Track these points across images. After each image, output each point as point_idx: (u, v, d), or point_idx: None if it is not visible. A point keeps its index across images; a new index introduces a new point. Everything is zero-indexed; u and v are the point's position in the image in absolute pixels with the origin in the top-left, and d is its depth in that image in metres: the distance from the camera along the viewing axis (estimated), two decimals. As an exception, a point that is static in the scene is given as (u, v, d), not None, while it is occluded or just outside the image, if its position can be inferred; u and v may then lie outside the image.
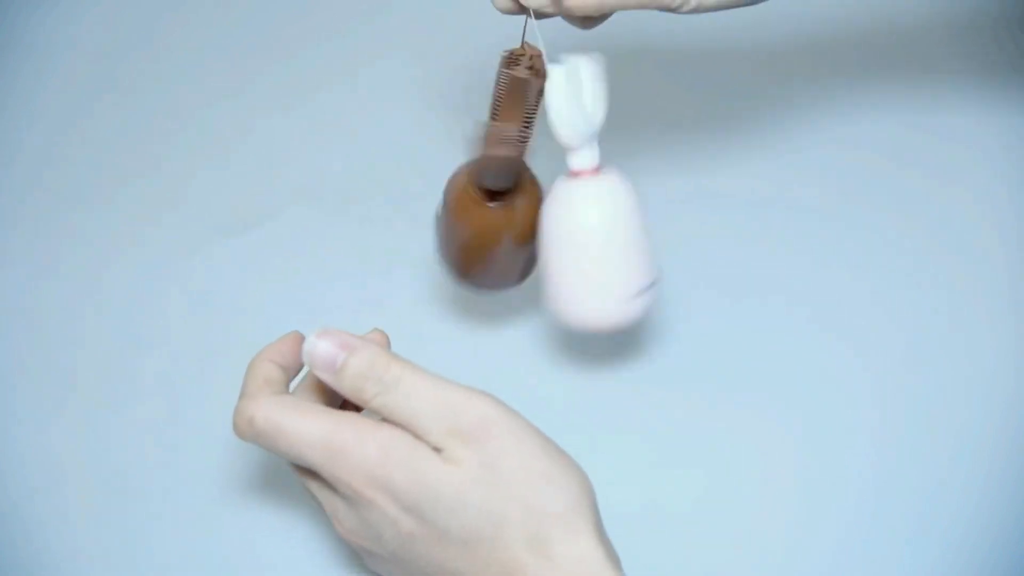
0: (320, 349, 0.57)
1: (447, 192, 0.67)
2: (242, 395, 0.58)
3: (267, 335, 0.76)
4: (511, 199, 0.65)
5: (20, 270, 0.82)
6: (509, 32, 0.93)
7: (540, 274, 0.66)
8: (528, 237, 0.65)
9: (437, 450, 0.54)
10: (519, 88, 0.61)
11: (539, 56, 0.61)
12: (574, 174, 0.64)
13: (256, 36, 0.97)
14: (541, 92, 0.61)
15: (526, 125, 0.62)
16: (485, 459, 0.54)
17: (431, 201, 0.85)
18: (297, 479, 0.58)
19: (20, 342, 0.77)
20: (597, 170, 0.63)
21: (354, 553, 0.63)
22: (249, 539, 0.66)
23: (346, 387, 0.56)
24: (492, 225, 0.65)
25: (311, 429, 0.55)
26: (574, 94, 0.61)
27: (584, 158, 0.63)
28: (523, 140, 0.62)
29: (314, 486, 0.58)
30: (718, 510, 0.67)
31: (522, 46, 0.62)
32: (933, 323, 0.74)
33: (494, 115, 0.62)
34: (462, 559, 0.54)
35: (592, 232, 0.63)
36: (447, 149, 0.88)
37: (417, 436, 0.55)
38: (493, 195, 0.64)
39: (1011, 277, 0.76)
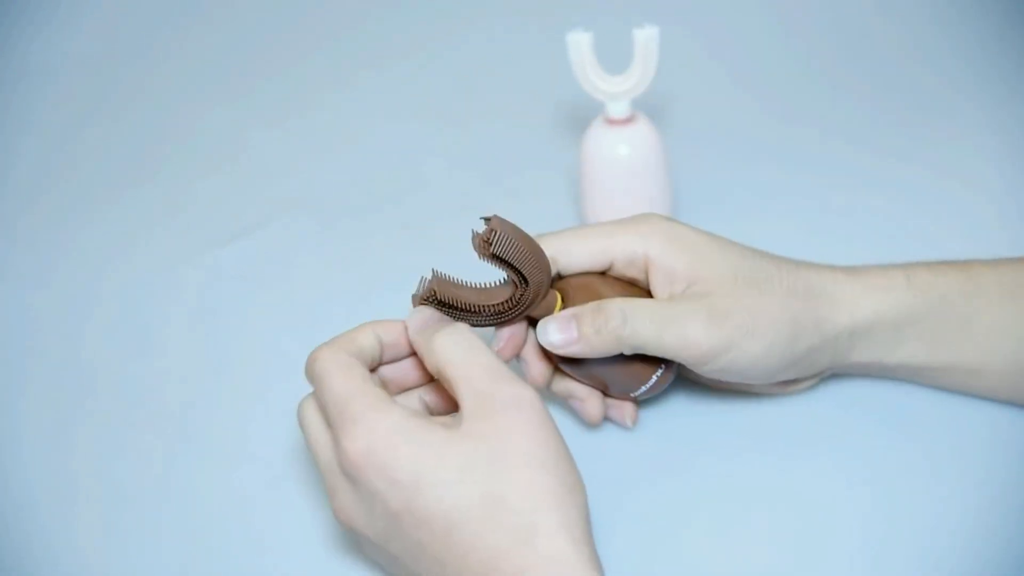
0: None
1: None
2: (330, 340, 0.59)
3: (263, 342, 0.77)
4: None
5: (19, 279, 0.82)
6: (501, 48, 0.94)
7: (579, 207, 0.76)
8: None
9: (453, 426, 0.55)
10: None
11: (492, 232, 0.59)
12: (611, 122, 0.75)
13: (252, 49, 0.98)
14: (500, 258, 0.59)
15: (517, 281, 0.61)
16: (499, 436, 0.54)
17: (425, 211, 0.86)
18: (312, 454, 0.59)
19: (20, 351, 0.77)
20: (629, 119, 0.75)
21: (354, 544, 0.63)
22: (253, 546, 0.66)
23: (427, 330, 0.58)
24: None
25: (339, 387, 0.56)
26: (593, 62, 0.73)
27: (616, 110, 0.75)
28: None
29: (323, 457, 0.58)
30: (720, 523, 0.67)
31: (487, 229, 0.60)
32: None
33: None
34: (444, 543, 0.53)
35: (621, 165, 0.75)
36: (441, 160, 0.89)
37: (455, 389, 0.56)
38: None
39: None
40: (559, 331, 0.61)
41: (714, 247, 0.62)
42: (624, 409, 0.67)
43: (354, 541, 0.60)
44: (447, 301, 0.60)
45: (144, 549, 0.66)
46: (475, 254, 0.59)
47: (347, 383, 0.56)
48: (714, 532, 0.63)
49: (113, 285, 0.81)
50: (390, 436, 0.54)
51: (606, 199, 0.77)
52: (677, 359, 0.61)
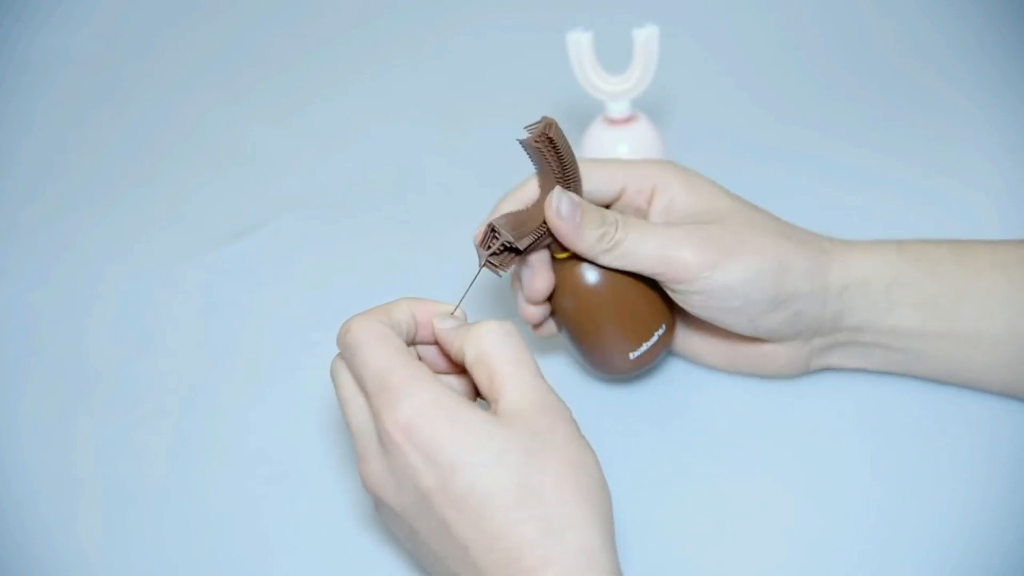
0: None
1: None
2: (365, 311, 0.59)
3: (263, 340, 0.77)
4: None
5: (20, 278, 0.82)
6: (501, 47, 0.94)
7: None
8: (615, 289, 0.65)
9: (494, 410, 0.55)
10: (533, 152, 0.62)
11: (550, 124, 0.61)
12: (611, 121, 0.76)
13: (251, 49, 0.98)
14: (554, 144, 0.62)
15: (561, 175, 0.63)
16: (539, 431, 0.54)
17: (423, 210, 0.86)
18: (344, 416, 0.58)
19: (21, 350, 0.78)
20: (629, 120, 0.76)
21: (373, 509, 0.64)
22: (254, 545, 0.66)
23: (460, 327, 0.58)
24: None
25: (378, 358, 0.56)
26: (593, 62, 0.74)
27: (616, 110, 0.76)
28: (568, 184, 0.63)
29: (356, 421, 0.57)
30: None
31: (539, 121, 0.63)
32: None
33: (539, 185, 0.64)
34: (472, 526, 0.53)
35: None
36: (442, 159, 0.90)
37: (499, 383, 0.56)
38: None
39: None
40: (570, 206, 0.62)
41: (719, 191, 0.65)
42: None
43: (374, 507, 0.60)
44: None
45: (146, 548, 0.66)
46: (523, 150, 0.62)
47: (386, 354, 0.56)
48: (717, 528, 0.64)
49: (114, 283, 0.81)
50: (433, 411, 0.54)
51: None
52: (661, 275, 0.62)
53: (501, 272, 0.62)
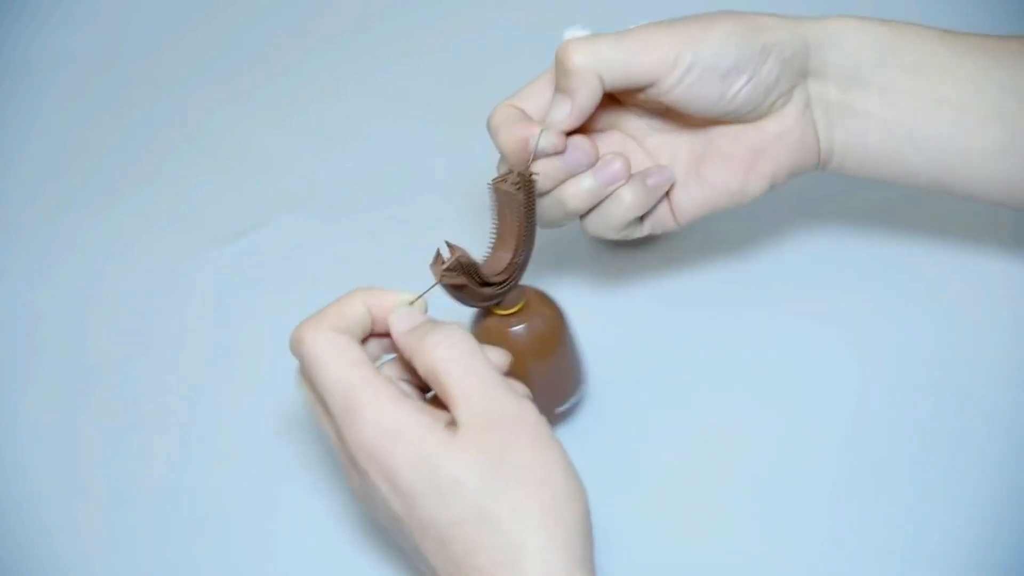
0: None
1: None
2: (316, 314, 0.57)
3: (263, 339, 0.77)
4: (519, 317, 0.65)
5: (21, 277, 0.82)
6: (501, 46, 0.94)
7: None
8: (542, 352, 0.65)
9: (453, 428, 0.53)
10: (505, 205, 0.62)
11: (527, 175, 0.62)
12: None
13: (252, 49, 0.98)
14: (526, 212, 0.62)
15: (517, 247, 0.62)
16: (497, 450, 0.53)
17: (423, 210, 0.86)
18: (317, 423, 0.58)
19: (21, 350, 0.78)
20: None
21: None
22: (259, 545, 0.66)
23: (416, 330, 0.56)
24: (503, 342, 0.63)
25: (339, 376, 0.55)
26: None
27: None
28: (512, 264, 0.63)
29: (330, 438, 0.57)
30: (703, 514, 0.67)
31: (510, 171, 0.63)
32: (928, 322, 0.75)
33: (493, 233, 0.63)
34: (439, 554, 0.53)
35: None
36: (439, 160, 0.90)
37: (451, 401, 0.54)
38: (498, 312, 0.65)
39: (1007, 280, 0.76)
40: (561, 103, 0.63)
41: None
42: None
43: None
44: (470, 272, 0.60)
45: (147, 548, 0.67)
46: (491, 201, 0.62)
47: (341, 372, 0.55)
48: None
49: (114, 283, 0.81)
50: (392, 439, 0.53)
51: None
52: (640, 69, 0.62)
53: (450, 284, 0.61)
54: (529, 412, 0.54)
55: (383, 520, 0.56)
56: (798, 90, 0.65)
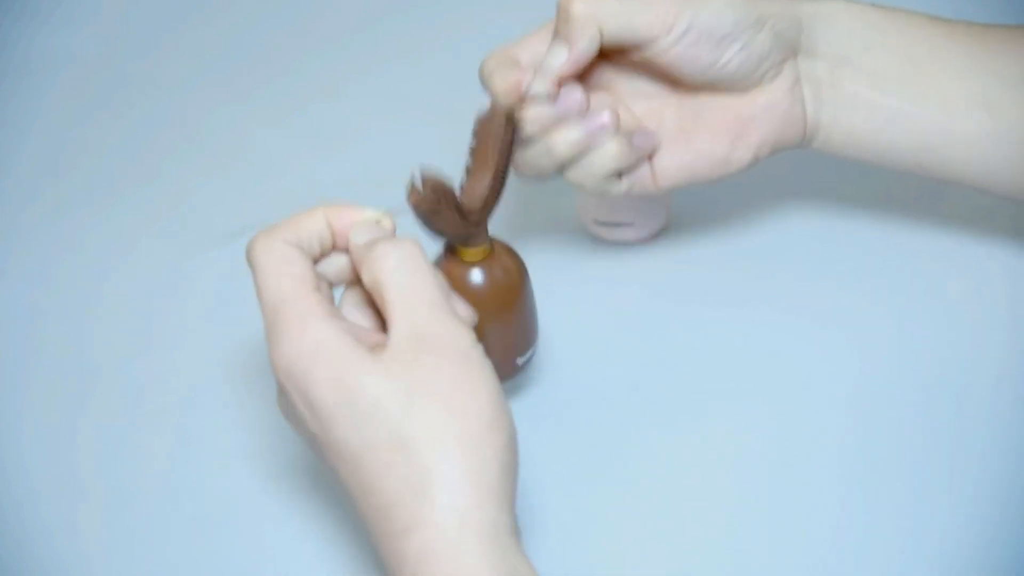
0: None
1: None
2: (273, 224, 0.56)
3: (262, 340, 0.77)
4: (480, 265, 0.64)
5: (21, 277, 0.82)
6: (506, 38, 0.94)
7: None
8: (499, 304, 0.65)
9: (380, 349, 0.52)
10: (488, 140, 0.62)
11: (514, 113, 0.62)
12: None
13: (252, 49, 0.98)
14: (509, 149, 0.62)
15: (493, 182, 0.62)
16: (421, 373, 0.51)
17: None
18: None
19: (21, 350, 0.78)
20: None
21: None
22: (259, 546, 0.66)
23: (370, 241, 0.55)
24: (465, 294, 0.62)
25: (273, 289, 0.53)
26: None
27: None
28: (487, 200, 0.62)
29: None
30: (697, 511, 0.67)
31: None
32: (927, 317, 0.75)
33: (467, 169, 0.63)
34: (353, 478, 0.52)
35: None
36: (439, 160, 0.89)
37: (387, 315, 0.53)
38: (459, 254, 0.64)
39: (1007, 273, 0.76)
40: (559, 48, 0.64)
41: None
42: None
43: None
44: (446, 197, 0.59)
45: (147, 548, 0.67)
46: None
47: (280, 283, 0.53)
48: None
49: (115, 283, 0.81)
50: (312, 358, 0.52)
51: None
52: (639, 26, 0.64)
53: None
54: (463, 338, 0.53)
55: (303, 436, 0.55)
56: (788, 65, 0.67)
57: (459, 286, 0.62)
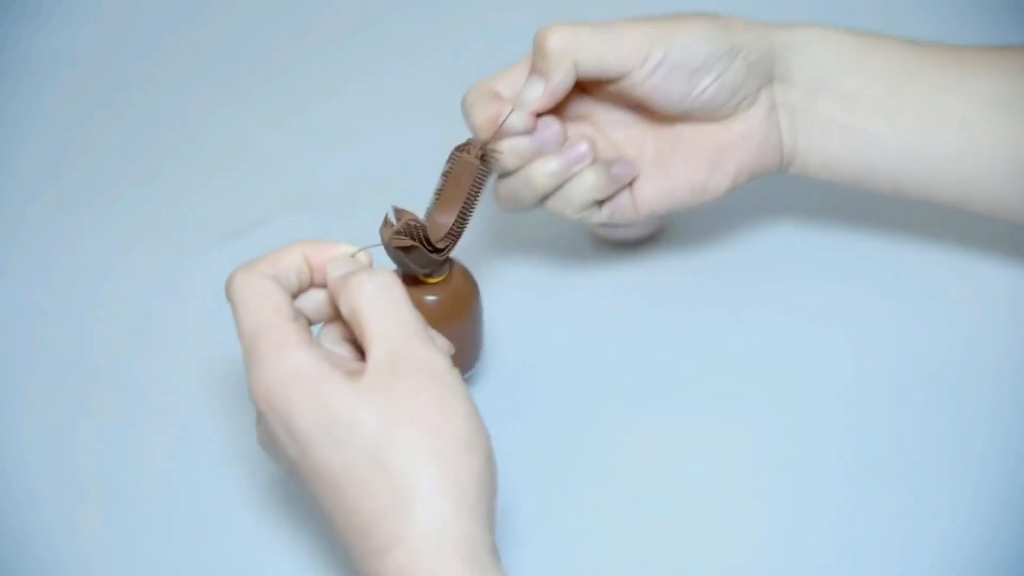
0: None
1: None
2: (252, 259, 0.58)
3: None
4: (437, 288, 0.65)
5: (21, 277, 0.82)
6: (499, 46, 0.94)
7: None
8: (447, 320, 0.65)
9: (358, 375, 0.53)
10: (461, 172, 0.63)
11: (492, 149, 0.63)
12: None
13: (252, 49, 0.98)
14: (480, 184, 0.63)
15: (461, 215, 0.63)
16: (399, 396, 0.52)
17: (422, 211, 0.86)
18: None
19: (21, 350, 0.78)
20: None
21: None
22: (259, 547, 0.66)
23: (346, 273, 0.56)
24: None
25: (251, 320, 0.55)
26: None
27: None
28: (452, 232, 0.64)
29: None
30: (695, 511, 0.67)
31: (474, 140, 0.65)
32: (926, 320, 0.75)
33: (436, 196, 0.64)
34: (332, 502, 0.52)
35: None
36: (438, 161, 0.90)
37: (365, 341, 0.53)
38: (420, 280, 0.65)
39: (1004, 277, 0.76)
40: (535, 83, 0.65)
41: None
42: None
43: None
44: (419, 236, 0.60)
45: (147, 548, 0.67)
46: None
47: (258, 314, 0.54)
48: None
49: (115, 283, 0.81)
50: (289, 385, 0.53)
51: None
52: (613, 60, 0.65)
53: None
54: (439, 362, 0.53)
55: (281, 466, 0.56)
56: (764, 93, 0.67)
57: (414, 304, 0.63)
